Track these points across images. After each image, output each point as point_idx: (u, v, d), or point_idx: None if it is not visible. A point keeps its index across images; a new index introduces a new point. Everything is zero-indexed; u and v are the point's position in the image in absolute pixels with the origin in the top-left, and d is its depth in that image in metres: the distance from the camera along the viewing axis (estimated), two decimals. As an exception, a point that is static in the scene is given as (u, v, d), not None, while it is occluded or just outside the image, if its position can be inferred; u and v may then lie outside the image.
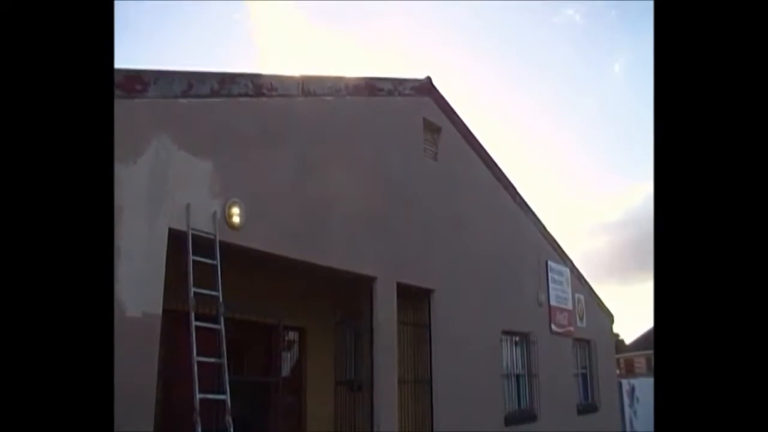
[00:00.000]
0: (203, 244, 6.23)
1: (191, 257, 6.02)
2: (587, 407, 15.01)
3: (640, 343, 46.81)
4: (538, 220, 13.80)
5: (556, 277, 13.96)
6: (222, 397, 5.89)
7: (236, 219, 6.61)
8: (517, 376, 12.27)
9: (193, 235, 6.10)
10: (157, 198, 5.83)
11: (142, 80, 5.90)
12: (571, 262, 15.07)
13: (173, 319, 6.35)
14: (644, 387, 19.16)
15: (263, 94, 7.30)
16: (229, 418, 5.83)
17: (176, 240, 5.92)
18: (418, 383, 9.51)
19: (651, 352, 42.48)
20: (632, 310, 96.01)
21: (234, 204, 6.60)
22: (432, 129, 10.48)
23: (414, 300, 9.56)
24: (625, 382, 18.21)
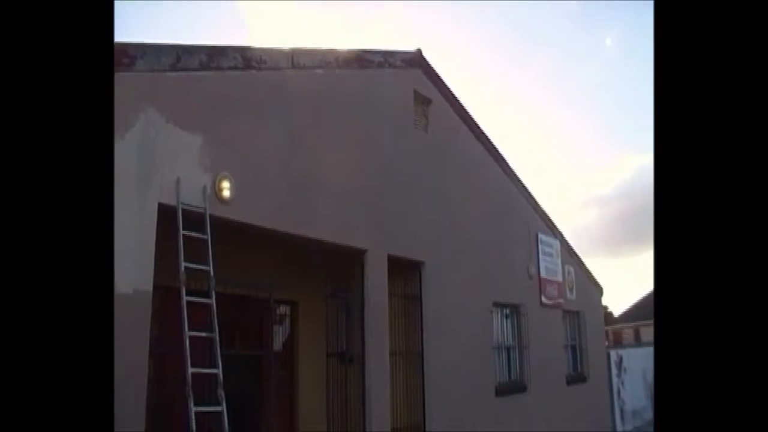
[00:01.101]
0: (193, 219, 6.20)
1: (182, 232, 5.99)
2: (576, 378, 15.17)
3: (628, 315, 47.24)
4: (529, 192, 13.80)
5: (546, 249, 14.01)
6: (214, 371, 5.90)
7: (226, 193, 6.57)
8: (508, 348, 12.36)
9: (183, 209, 6.06)
10: (146, 173, 5.77)
11: (129, 54, 5.81)
12: (561, 235, 15.12)
13: (164, 295, 6.34)
14: (632, 358, 19.38)
15: (252, 67, 7.23)
16: (221, 392, 5.85)
17: (166, 215, 5.88)
18: (410, 355, 9.56)
19: (639, 323, 42.95)
20: (621, 283, 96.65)
21: (224, 178, 6.55)
22: (422, 101, 10.42)
23: (405, 272, 9.58)
24: (613, 352, 18.35)
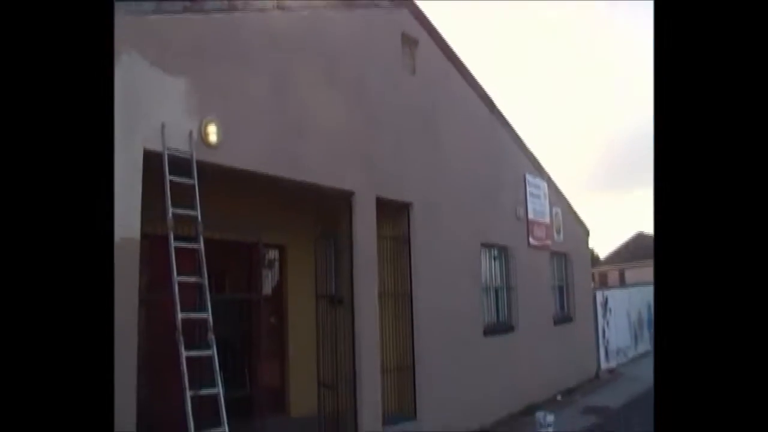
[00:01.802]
0: (180, 164, 6.15)
1: (168, 177, 5.95)
2: (563, 318, 15.41)
3: (613, 258, 47.84)
4: (516, 133, 13.75)
5: (533, 190, 14.04)
6: (204, 315, 5.94)
7: (213, 137, 6.51)
8: (496, 289, 12.49)
9: (169, 155, 6.01)
10: (130, 118, 5.68)
11: (110, -5, 5.68)
12: (549, 176, 15.13)
13: (152, 242, 6.33)
14: (617, 298, 19.70)
15: (237, 9, 7.09)
16: (211, 336, 5.90)
17: (152, 161, 5.84)
18: (399, 296, 9.65)
19: (624, 265, 43.51)
20: (607, 225, 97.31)
21: (210, 122, 6.49)
22: (409, 42, 10.28)
23: (393, 214, 9.60)
24: (599, 293, 18.62)
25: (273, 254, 10.38)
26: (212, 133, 6.49)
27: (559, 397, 13.43)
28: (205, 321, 5.94)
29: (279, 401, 9.94)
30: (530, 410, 11.63)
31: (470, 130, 11.96)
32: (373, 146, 8.97)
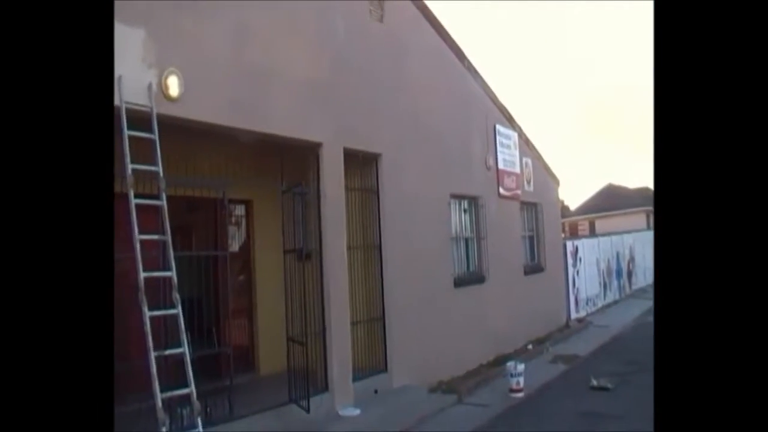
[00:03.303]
0: (139, 119, 5.99)
1: (126, 132, 5.79)
2: (533, 268, 15.58)
3: (583, 209, 48.38)
4: (486, 84, 13.64)
5: (503, 141, 14.02)
6: (168, 273, 5.87)
7: (174, 90, 6.34)
8: (466, 239, 12.55)
9: (127, 108, 5.85)
10: (85, 70, 5.49)
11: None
12: (519, 127, 15.09)
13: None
14: (587, 248, 19.95)
15: (196, -45, 6.85)
16: (176, 295, 5.82)
17: (110, 115, 5.66)
18: (368, 249, 9.66)
19: (594, 215, 44.01)
20: (576, 178, 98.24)
21: (171, 74, 6.31)
22: (376, -12, 10.06)
23: (361, 165, 9.52)
24: (569, 243, 18.80)
25: (239, 209, 10.27)
26: (173, 85, 6.33)
27: (529, 347, 13.63)
28: (170, 279, 5.86)
29: (248, 359, 9.95)
30: (501, 360, 11.79)
31: (440, 80, 11.84)
32: (340, 96, 8.83)
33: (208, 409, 6.93)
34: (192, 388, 5.66)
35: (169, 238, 5.96)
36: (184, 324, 5.85)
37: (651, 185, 34.56)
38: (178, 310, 5.79)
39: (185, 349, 5.74)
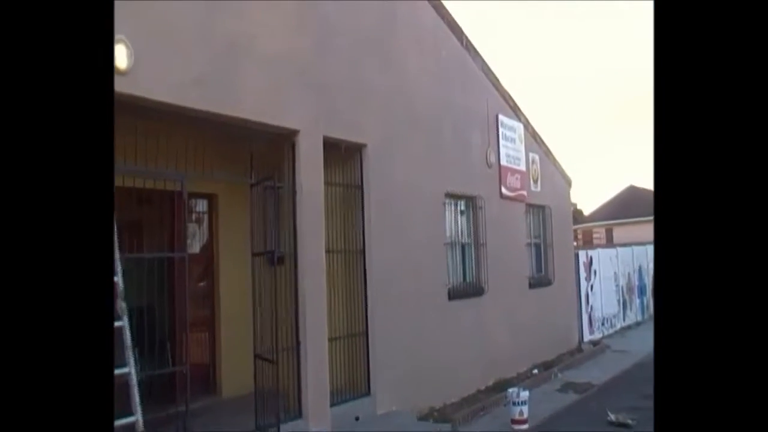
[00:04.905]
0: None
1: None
2: (540, 280, 15.56)
3: (599, 215, 48.52)
4: (489, 68, 13.64)
5: (507, 133, 14.00)
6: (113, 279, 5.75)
7: (123, 62, 6.25)
8: (463, 245, 12.54)
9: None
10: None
11: None
12: (526, 118, 15.09)
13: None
14: (603, 259, 19.86)
15: None
16: (122, 304, 5.67)
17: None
18: (349, 253, 9.62)
19: (612, 222, 44.17)
20: (591, 178, 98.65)
21: (118, 42, 6.21)
22: (364, -44, 10.04)
23: (344, 157, 9.49)
24: (582, 253, 18.72)
25: (201, 205, 10.19)
26: (122, 56, 6.23)
27: (535, 371, 13.59)
28: (114, 285, 5.74)
29: (208, 379, 9.87)
30: (502, 386, 11.75)
31: (436, 63, 11.83)
32: (321, 78, 8.79)
33: (159, 442, 6.80)
34: (138, 417, 5.43)
35: (114, 236, 5.86)
36: (131, 338, 5.70)
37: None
38: (124, 322, 5.62)
39: (131, 369, 5.56)
